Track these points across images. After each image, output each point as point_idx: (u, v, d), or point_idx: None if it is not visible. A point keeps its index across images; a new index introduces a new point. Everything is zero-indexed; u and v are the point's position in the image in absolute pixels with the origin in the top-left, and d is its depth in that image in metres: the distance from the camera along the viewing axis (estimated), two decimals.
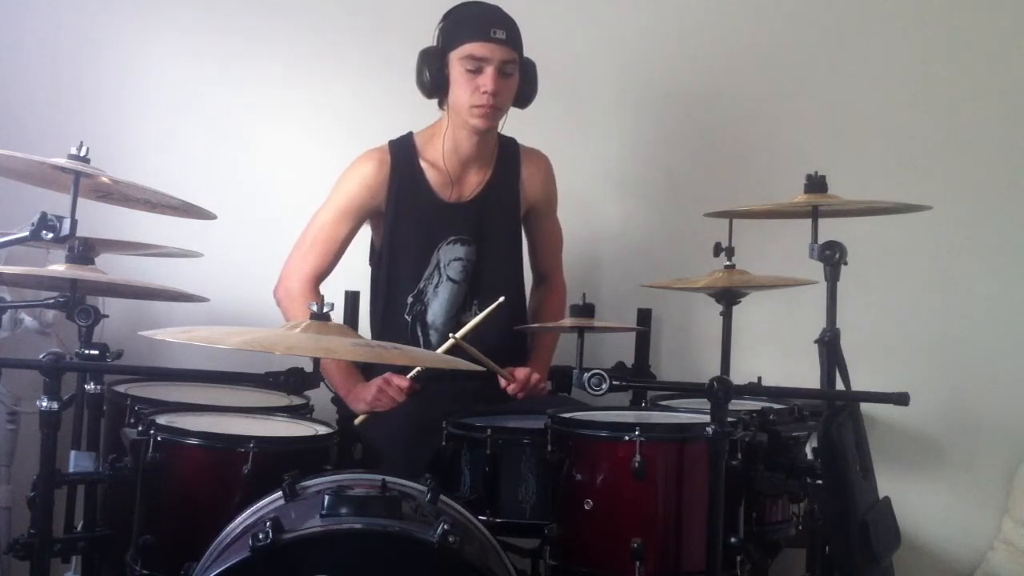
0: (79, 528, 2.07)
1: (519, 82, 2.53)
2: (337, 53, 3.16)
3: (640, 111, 3.24)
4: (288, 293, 2.60)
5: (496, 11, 2.51)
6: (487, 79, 2.44)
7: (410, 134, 2.64)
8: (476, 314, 2.56)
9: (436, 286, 2.60)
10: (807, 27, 3.25)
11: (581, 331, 2.19)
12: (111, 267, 2.38)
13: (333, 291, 2.64)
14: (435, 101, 2.59)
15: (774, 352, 3.06)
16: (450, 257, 2.60)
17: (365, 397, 2.46)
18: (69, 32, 3.12)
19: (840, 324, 2.17)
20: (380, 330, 2.65)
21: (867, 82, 3.22)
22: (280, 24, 3.16)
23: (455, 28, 2.50)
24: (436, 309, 2.61)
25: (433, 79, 2.51)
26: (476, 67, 2.45)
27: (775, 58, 3.24)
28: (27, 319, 2.72)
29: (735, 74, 3.22)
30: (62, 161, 1.93)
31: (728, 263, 2.55)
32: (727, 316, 2.66)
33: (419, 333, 2.61)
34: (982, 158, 3.22)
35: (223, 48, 3.16)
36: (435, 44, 2.53)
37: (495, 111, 2.49)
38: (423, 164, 2.60)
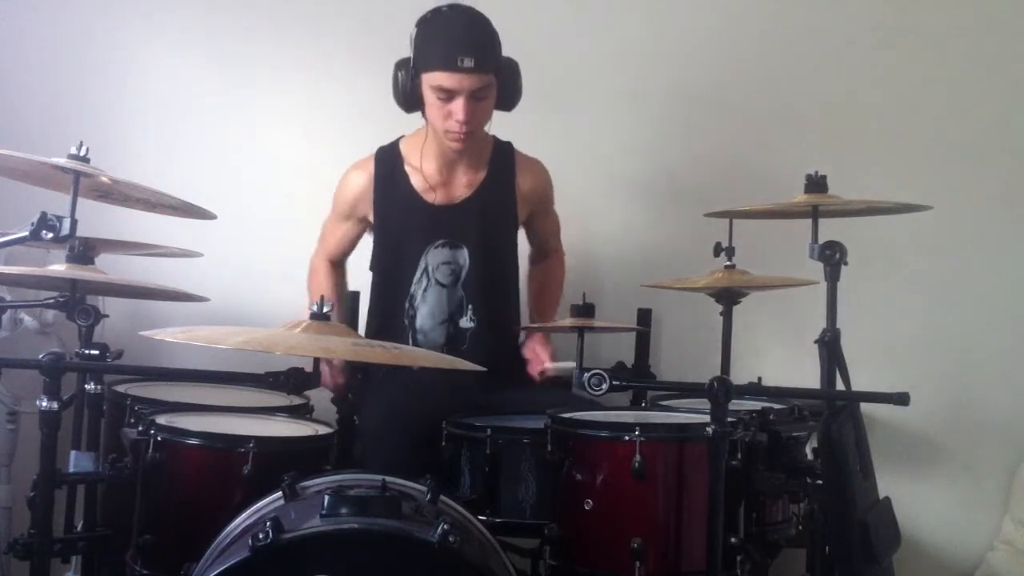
0: (79, 528, 2.07)
1: (500, 88, 2.44)
2: (337, 54, 3.15)
3: (639, 111, 3.23)
4: (311, 264, 2.72)
5: (466, 30, 2.38)
6: (458, 108, 2.37)
7: (397, 140, 2.61)
8: (472, 320, 2.55)
9: (425, 290, 2.56)
10: (807, 27, 3.24)
11: (581, 331, 2.19)
12: (111, 267, 2.38)
13: None
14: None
15: (774, 352, 3.06)
16: (438, 261, 2.55)
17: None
18: (69, 32, 3.12)
19: (840, 324, 2.16)
20: (377, 336, 2.56)
21: (867, 82, 3.22)
22: (280, 25, 3.16)
23: (425, 49, 2.39)
24: (424, 313, 2.56)
25: (407, 98, 2.45)
26: (447, 96, 2.37)
27: (775, 58, 3.23)
28: (27, 319, 2.72)
29: (735, 74, 3.22)
30: (62, 161, 1.93)
31: (728, 263, 2.54)
32: (727, 316, 2.66)
33: (410, 339, 2.56)
34: (982, 158, 3.22)
35: (223, 49, 3.16)
36: (409, 56, 2.42)
37: (469, 136, 2.44)
38: (407, 169, 2.56)
